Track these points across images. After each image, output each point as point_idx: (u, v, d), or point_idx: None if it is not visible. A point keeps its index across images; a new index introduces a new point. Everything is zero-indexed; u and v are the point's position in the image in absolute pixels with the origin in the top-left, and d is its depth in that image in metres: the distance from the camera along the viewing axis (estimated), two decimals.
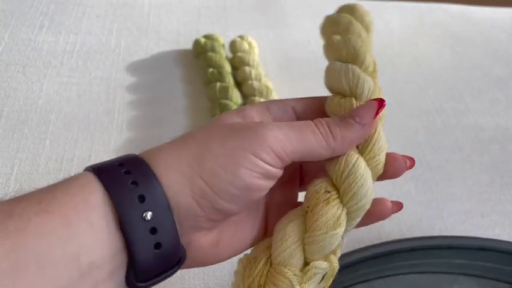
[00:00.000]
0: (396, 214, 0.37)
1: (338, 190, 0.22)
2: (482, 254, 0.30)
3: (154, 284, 0.19)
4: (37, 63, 0.48)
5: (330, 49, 0.27)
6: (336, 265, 0.22)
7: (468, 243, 0.30)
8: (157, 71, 0.49)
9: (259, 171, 0.20)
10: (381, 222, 0.37)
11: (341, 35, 0.27)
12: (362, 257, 0.29)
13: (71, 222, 0.17)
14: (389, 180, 0.41)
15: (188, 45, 0.52)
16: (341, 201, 0.22)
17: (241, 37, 0.51)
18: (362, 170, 0.22)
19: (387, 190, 0.39)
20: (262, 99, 0.42)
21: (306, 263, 0.21)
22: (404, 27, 0.59)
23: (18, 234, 0.16)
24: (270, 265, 0.21)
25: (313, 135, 0.21)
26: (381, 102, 0.24)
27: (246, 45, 0.50)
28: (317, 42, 0.55)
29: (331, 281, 0.22)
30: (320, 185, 0.22)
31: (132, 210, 0.18)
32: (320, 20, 0.61)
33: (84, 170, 0.20)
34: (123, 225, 0.18)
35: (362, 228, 0.36)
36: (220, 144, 0.20)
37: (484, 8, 0.64)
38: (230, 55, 0.51)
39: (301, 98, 0.26)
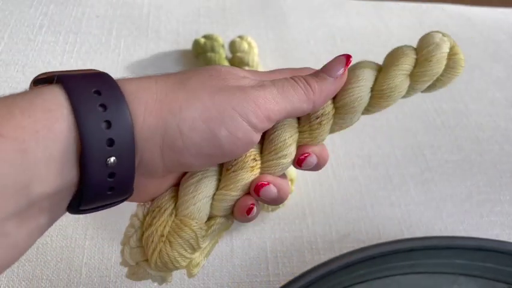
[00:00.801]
0: (397, 214, 0.38)
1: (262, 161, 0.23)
2: (482, 254, 0.30)
3: (93, 211, 0.19)
4: (37, 63, 0.48)
5: None
6: (232, 221, 0.23)
7: (467, 243, 0.30)
8: (157, 71, 0.49)
9: (239, 136, 0.20)
10: (380, 222, 0.37)
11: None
12: (361, 257, 0.29)
13: (27, 150, 0.15)
14: (389, 180, 0.41)
15: (188, 45, 0.52)
16: (261, 172, 0.23)
17: (241, 37, 0.51)
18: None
19: (387, 190, 0.40)
20: None
21: (209, 218, 0.22)
22: (403, 28, 0.59)
23: None
24: (175, 216, 0.22)
25: (295, 91, 0.22)
26: (348, 57, 0.26)
27: (245, 45, 0.50)
28: (317, 43, 0.55)
29: (223, 234, 0.24)
30: (250, 152, 0.22)
31: (97, 152, 0.17)
32: (319, 20, 0.61)
33: (55, 79, 0.18)
34: (84, 164, 0.17)
35: (361, 229, 0.37)
36: (210, 97, 0.19)
37: (484, 8, 0.64)
38: (230, 55, 0.51)
39: (286, 69, 0.26)
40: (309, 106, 0.22)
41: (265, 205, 0.35)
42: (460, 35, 0.58)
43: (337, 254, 0.30)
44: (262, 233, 0.36)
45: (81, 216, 0.36)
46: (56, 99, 0.17)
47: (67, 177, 0.17)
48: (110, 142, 0.17)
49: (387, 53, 0.55)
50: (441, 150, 0.43)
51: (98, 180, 0.17)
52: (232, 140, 0.20)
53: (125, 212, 0.37)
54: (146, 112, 0.18)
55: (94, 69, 0.19)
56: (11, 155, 0.15)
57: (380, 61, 0.53)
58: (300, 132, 0.23)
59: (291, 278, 0.28)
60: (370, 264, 0.30)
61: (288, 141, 0.23)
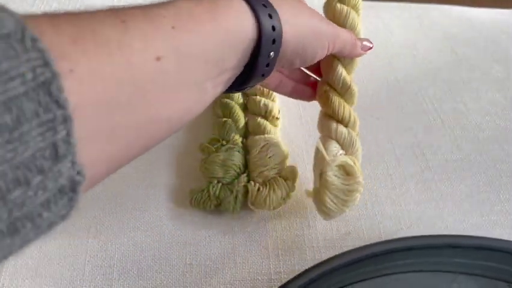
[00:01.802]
0: (397, 213, 0.38)
1: None
2: (482, 253, 0.30)
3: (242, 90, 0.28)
4: None
5: None
6: None
7: (467, 242, 0.31)
8: None
9: (324, 54, 0.31)
10: (381, 220, 0.37)
11: None
12: (361, 255, 0.30)
13: (228, 36, 0.23)
14: (389, 180, 0.41)
15: None
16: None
17: None
18: None
19: (388, 189, 0.40)
20: (263, 99, 0.42)
21: None
22: (403, 28, 0.59)
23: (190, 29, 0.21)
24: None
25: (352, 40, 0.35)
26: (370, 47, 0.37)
27: None
28: None
29: None
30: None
31: (266, 47, 0.25)
32: None
33: None
34: (258, 55, 0.25)
35: (362, 227, 0.37)
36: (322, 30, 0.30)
37: (483, 9, 0.64)
38: None
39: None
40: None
41: (267, 203, 0.35)
42: (459, 35, 0.59)
43: (338, 252, 0.30)
44: (263, 231, 0.36)
45: (84, 213, 0.36)
46: (243, 7, 0.24)
47: (243, 61, 0.25)
48: (273, 41, 0.25)
49: (386, 52, 0.56)
50: (441, 150, 0.44)
51: (261, 67, 0.26)
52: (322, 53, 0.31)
53: (126, 212, 0.37)
54: (286, 25, 0.26)
55: None
56: (222, 37, 0.22)
57: (380, 61, 0.54)
58: None
59: (292, 275, 0.28)
60: (370, 263, 0.30)
61: None
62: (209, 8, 0.22)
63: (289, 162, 0.39)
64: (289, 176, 0.37)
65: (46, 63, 0.14)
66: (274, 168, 0.37)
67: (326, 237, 0.36)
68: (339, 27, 0.33)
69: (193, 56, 0.21)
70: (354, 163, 0.33)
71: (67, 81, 0.15)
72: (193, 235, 0.36)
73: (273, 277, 0.34)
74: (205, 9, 0.22)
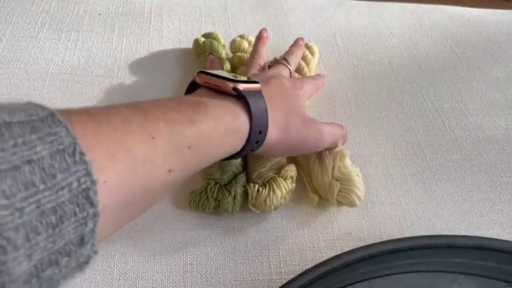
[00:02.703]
0: (397, 213, 0.38)
1: None
2: (482, 253, 0.30)
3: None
4: (39, 60, 0.48)
5: None
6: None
7: (468, 242, 0.30)
8: (159, 70, 0.50)
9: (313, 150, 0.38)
10: (381, 221, 0.37)
11: None
12: (361, 255, 0.30)
13: (236, 127, 0.29)
14: (389, 180, 0.41)
15: (190, 44, 0.52)
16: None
17: (242, 36, 0.51)
18: None
19: (388, 189, 0.40)
20: None
21: None
22: (404, 28, 0.60)
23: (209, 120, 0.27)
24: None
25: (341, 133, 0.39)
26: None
27: (245, 45, 0.50)
28: (317, 42, 0.56)
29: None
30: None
31: (254, 138, 0.30)
32: (320, 20, 0.61)
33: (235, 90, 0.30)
34: (248, 142, 0.30)
35: (363, 227, 0.37)
36: (297, 132, 0.34)
37: (483, 9, 0.64)
38: (230, 54, 0.51)
39: None
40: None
41: (268, 204, 0.35)
42: (459, 35, 0.59)
43: (338, 252, 0.30)
44: (264, 232, 0.36)
45: None
46: (242, 107, 0.30)
47: (238, 146, 0.30)
48: (259, 132, 0.30)
49: (387, 53, 0.56)
50: (442, 150, 0.44)
51: (252, 146, 0.31)
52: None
53: None
54: (272, 130, 0.32)
55: (254, 83, 0.31)
56: (223, 153, 0.29)
57: (380, 61, 0.54)
58: None
59: (293, 276, 0.28)
60: (371, 263, 0.30)
61: None
62: (218, 127, 0.27)
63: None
64: (288, 175, 0.36)
65: (88, 173, 0.18)
66: (273, 169, 0.37)
67: (327, 238, 0.36)
68: (326, 129, 0.37)
69: (198, 167, 0.27)
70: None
71: (101, 189, 0.19)
72: (194, 235, 0.36)
73: (273, 277, 0.34)
74: (218, 129, 0.27)
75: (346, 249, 0.29)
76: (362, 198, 0.36)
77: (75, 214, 0.17)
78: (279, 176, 0.36)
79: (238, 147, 0.30)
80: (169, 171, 0.24)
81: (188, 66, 0.50)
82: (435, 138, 0.45)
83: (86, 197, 0.18)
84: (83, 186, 0.18)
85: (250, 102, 0.29)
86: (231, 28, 0.56)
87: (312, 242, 0.36)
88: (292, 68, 0.42)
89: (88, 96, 0.45)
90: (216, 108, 0.28)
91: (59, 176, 0.17)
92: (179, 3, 0.59)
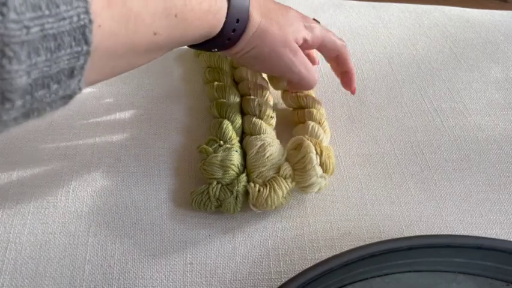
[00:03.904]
0: (397, 213, 0.38)
1: None
2: (481, 253, 0.30)
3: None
4: None
5: None
6: None
7: (467, 242, 0.31)
8: (159, 70, 0.50)
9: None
10: (381, 220, 0.37)
11: None
12: (361, 255, 0.30)
13: (212, 24, 0.31)
14: (389, 179, 0.41)
15: None
16: None
17: None
18: None
19: (387, 188, 0.40)
20: (256, 98, 0.43)
21: None
22: (403, 29, 0.60)
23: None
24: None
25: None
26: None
27: None
28: None
29: None
30: None
31: (230, 24, 0.32)
32: (320, 20, 0.61)
33: None
34: (225, 26, 0.32)
35: (362, 227, 0.37)
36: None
37: (482, 10, 0.65)
38: None
39: None
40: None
41: (269, 204, 0.35)
42: (458, 36, 0.59)
43: (338, 251, 0.30)
44: (264, 231, 0.36)
45: (84, 213, 0.36)
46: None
47: (216, 28, 0.32)
48: (237, 21, 0.32)
49: (386, 53, 0.56)
50: (441, 149, 0.44)
51: (228, 35, 0.33)
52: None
53: (126, 211, 0.37)
54: (251, 21, 0.34)
55: None
56: (206, 29, 0.31)
57: (380, 61, 0.54)
58: None
59: (292, 275, 0.28)
60: (370, 262, 0.30)
61: None
62: (202, 2, 0.29)
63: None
64: (288, 174, 0.37)
65: (87, 11, 0.20)
66: (273, 168, 0.37)
67: (326, 237, 0.36)
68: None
69: (180, 37, 0.29)
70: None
71: (95, 31, 0.21)
72: (193, 235, 0.36)
73: (273, 277, 0.34)
74: (201, 9, 0.29)
75: (345, 249, 0.29)
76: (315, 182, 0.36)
77: (71, 46, 0.19)
78: (279, 176, 0.36)
79: (216, 29, 0.32)
80: (155, 33, 0.26)
81: (188, 65, 0.50)
82: (434, 138, 0.45)
83: (83, 33, 0.20)
84: (81, 22, 0.19)
85: None
86: None
87: (312, 242, 0.36)
88: (321, 26, 0.41)
89: (86, 95, 0.45)
90: None
91: (62, 7, 0.18)
92: None
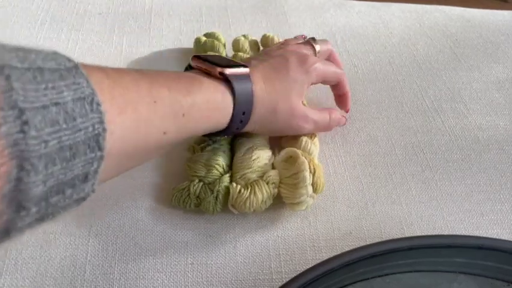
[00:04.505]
0: (398, 213, 0.38)
1: None
2: (482, 253, 0.30)
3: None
4: None
5: None
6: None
7: (468, 242, 0.31)
8: (160, 69, 0.49)
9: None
10: (382, 220, 0.37)
11: None
12: (361, 255, 0.30)
13: (221, 93, 0.32)
14: (389, 179, 0.41)
15: (190, 43, 0.52)
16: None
17: (244, 36, 0.51)
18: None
19: (388, 188, 0.40)
20: None
21: None
22: (403, 29, 0.60)
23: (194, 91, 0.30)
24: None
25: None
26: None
27: (247, 45, 0.50)
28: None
29: None
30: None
31: (238, 117, 0.34)
32: (320, 20, 0.61)
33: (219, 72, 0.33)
34: (231, 121, 0.33)
35: (363, 227, 0.37)
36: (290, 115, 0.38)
37: (483, 10, 0.65)
38: (231, 53, 0.51)
39: None
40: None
41: (247, 206, 0.35)
42: (459, 36, 0.59)
43: (338, 252, 0.30)
44: (265, 232, 0.36)
45: (85, 214, 0.36)
46: (228, 89, 0.33)
47: (224, 122, 0.33)
48: (243, 113, 0.34)
49: (387, 53, 0.56)
50: (442, 149, 0.44)
51: (237, 125, 0.34)
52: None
53: (127, 212, 0.37)
54: (257, 104, 0.35)
55: (241, 66, 0.34)
56: (213, 125, 0.33)
57: (380, 61, 0.54)
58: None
59: (293, 275, 0.28)
60: (371, 263, 0.30)
61: None
62: (209, 102, 0.31)
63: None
64: (271, 180, 0.36)
65: (101, 122, 0.21)
66: (258, 171, 0.37)
67: (327, 237, 0.36)
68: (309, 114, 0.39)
69: (189, 133, 0.31)
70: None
71: (108, 137, 0.22)
72: (194, 235, 0.36)
73: (274, 277, 0.34)
74: (209, 104, 0.31)
75: (346, 249, 0.29)
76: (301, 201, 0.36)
77: (85, 154, 0.20)
78: (262, 180, 0.36)
79: (224, 123, 0.33)
80: (164, 133, 0.27)
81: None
82: (435, 138, 0.45)
83: (97, 141, 0.21)
84: (96, 131, 0.21)
85: (235, 85, 0.33)
86: (231, 28, 0.56)
87: (312, 242, 0.36)
88: (319, 48, 0.42)
89: None
90: (208, 85, 0.31)
91: (79, 120, 0.20)
92: (179, 3, 0.59)
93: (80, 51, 0.50)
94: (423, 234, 0.36)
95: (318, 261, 0.29)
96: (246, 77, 0.34)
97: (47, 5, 0.55)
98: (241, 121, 0.34)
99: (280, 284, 0.30)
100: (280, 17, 0.59)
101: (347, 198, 0.39)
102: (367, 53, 0.55)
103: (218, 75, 0.33)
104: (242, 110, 0.33)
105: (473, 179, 0.41)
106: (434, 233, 0.37)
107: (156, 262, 0.34)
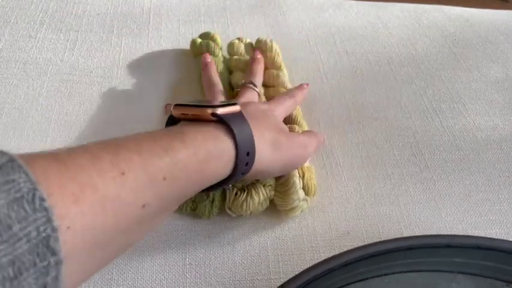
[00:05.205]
0: (396, 213, 0.38)
1: None
2: (480, 253, 0.30)
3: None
4: (38, 60, 0.48)
5: None
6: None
7: (466, 242, 0.31)
8: (158, 70, 0.50)
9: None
10: (380, 221, 0.37)
11: None
12: (360, 255, 0.30)
13: (213, 171, 0.28)
14: (388, 180, 0.41)
15: (189, 44, 0.52)
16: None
17: (239, 39, 0.51)
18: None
19: (387, 189, 0.40)
20: None
21: None
22: (402, 28, 0.60)
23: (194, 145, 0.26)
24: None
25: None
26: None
27: (242, 48, 0.49)
28: (316, 42, 0.56)
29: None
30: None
31: (242, 162, 0.29)
32: (319, 20, 0.61)
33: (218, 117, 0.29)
34: (235, 167, 0.29)
35: (361, 227, 0.37)
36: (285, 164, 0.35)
37: (482, 10, 0.65)
38: (228, 57, 0.50)
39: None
40: None
41: (244, 209, 0.35)
42: (458, 36, 0.59)
43: (337, 252, 0.30)
44: (263, 232, 0.36)
45: None
46: (223, 131, 0.29)
47: (226, 171, 0.29)
48: (247, 154, 0.29)
49: (386, 53, 0.56)
50: (440, 150, 0.44)
51: (242, 169, 0.30)
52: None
53: None
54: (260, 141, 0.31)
55: (234, 106, 0.31)
56: (206, 182, 0.28)
57: (379, 61, 0.54)
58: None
59: (291, 275, 0.28)
60: (369, 263, 0.30)
61: None
62: (197, 154, 0.26)
63: None
64: (267, 183, 0.36)
65: (49, 220, 0.17)
66: None
67: (325, 238, 0.36)
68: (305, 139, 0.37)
69: (178, 197, 0.26)
70: None
71: (64, 235, 0.18)
72: (193, 235, 0.36)
73: (272, 277, 0.34)
74: (198, 156, 0.26)
75: (344, 249, 0.29)
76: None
77: (35, 264, 0.17)
78: (259, 182, 0.36)
79: (226, 172, 0.29)
80: (143, 206, 0.23)
81: (187, 66, 0.50)
82: (433, 138, 0.45)
83: (47, 245, 0.17)
84: (43, 234, 0.17)
85: (232, 124, 0.29)
86: (229, 29, 0.56)
87: (311, 242, 0.36)
88: (259, 89, 0.42)
89: (87, 96, 0.45)
90: (194, 134, 0.27)
91: (16, 227, 0.16)
92: (178, 3, 0.59)
93: (78, 52, 0.50)
94: (421, 234, 0.36)
95: (317, 262, 0.29)
96: (239, 115, 0.31)
97: (46, 6, 0.55)
98: (247, 163, 0.30)
99: (278, 284, 0.30)
100: (279, 17, 0.59)
101: (345, 199, 0.39)
102: (366, 53, 0.55)
103: (211, 117, 0.29)
104: (245, 151, 0.29)
105: (471, 179, 0.41)
106: (432, 233, 0.37)
107: (154, 263, 0.34)
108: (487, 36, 0.59)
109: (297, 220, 0.37)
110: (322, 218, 0.37)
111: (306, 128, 0.43)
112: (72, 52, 0.50)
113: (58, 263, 0.18)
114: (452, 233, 0.37)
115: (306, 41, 0.55)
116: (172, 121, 0.32)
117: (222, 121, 0.29)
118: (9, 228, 0.16)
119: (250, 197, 0.35)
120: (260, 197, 0.35)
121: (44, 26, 0.53)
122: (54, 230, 0.17)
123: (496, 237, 0.31)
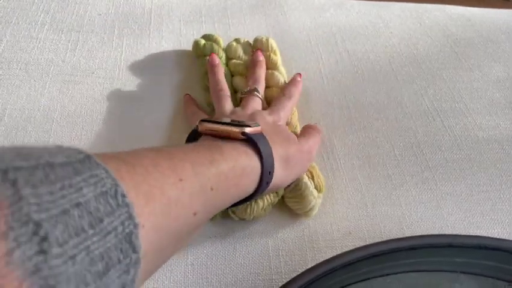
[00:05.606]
0: (397, 213, 0.38)
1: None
2: (482, 253, 0.30)
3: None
4: (39, 60, 0.48)
5: None
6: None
7: (468, 241, 0.31)
8: (159, 71, 0.50)
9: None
10: (381, 221, 0.37)
11: None
12: (362, 255, 0.30)
13: (246, 186, 0.29)
14: (389, 180, 0.41)
15: (190, 44, 0.52)
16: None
17: (237, 40, 0.50)
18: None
19: (388, 189, 0.40)
20: None
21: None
22: (404, 28, 0.60)
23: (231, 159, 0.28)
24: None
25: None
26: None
27: (240, 51, 0.48)
28: (317, 42, 0.56)
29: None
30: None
31: (267, 178, 0.30)
32: (320, 20, 0.61)
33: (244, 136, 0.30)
34: (260, 184, 0.30)
35: (362, 227, 0.37)
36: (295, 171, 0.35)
37: (483, 9, 0.64)
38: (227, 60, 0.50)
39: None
40: None
41: (248, 213, 0.35)
42: (459, 35, 0.59)
43: (338, 252, 0.30)
44: (264, 232, 0.36)
45: None
46: (252, 150, 0.30)
47: (251, 188, 0.30)
48: (269, 173, 0.30)
49: (387, 52, 0.56)
50: (441, 150, 0.44)
51: (264, 188, 0.31)
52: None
53: None
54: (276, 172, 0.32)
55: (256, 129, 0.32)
56: (239, 194, 0.29)
57: (380, 61, 0.54)
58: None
59: (293, 276, 0.28)
60: (371, 263, 0.30)
61: None
62: (235, 168, 0.27)
63: None
64: None
65: (131, 216, 0.17)
66: None
67: (327, 238, 0.36)
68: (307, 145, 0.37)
69: (217, 209, 0.27)
70: None
71: (139, 233, 0.18)
72: (194, 236, 0.36)
73: (273, 277, 0.34)
74: (235, 170, 0.27)
75: (346, 249, 0.29)
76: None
77: (119, 261, 0.16)
78: None
79: (251, 189, 0.30)
80: (194, 213, 0.24)
81: (188, 67, 0.50)
82: (434, 138, 0.45)
83: (129, 241, 0.17)
84: (127, 230, 0.17)
85: (259, 143, 0.30)
86: (230, 29, 0.56)
87: (312, 242, 0.36)
88: (261, 94, 0.42)
89: (88, 97, 0.45)
90: (230, 151, 0.28)
91: (106, 220, 0.16)
92: (179, 4, 0.59)
93: (80, 53, 0.50)
94: (423, 234, 0.36)
95: (318, 262, 0.29)
96: (262, 135, 0.32)
97: (47, 6, 0.56)
98: (267, 182, 0.31)
99: (280, 284, 0.30)
100: (280, 17, 0.59)
101: (346, 199, 0.39)
102: (367, 53, 0.55)
103: (240, 136, 0.30)
104: (268, 170, 0.30)
105: (473, 178, 0.41)
106: (434, 233, 0.37)
107: None
108: (489, 36, 0.59)
109: (299, 220, 0.37)
110: (323, 219, 0.37)
111: (299, 128, 0.42)
112: (73, 53, 0.50)
113: (137, 261, 0.17)
114: (454, 232, 0.37)
115: (307, 41, 0.55)
116: (194, 134, 0.33)
117: (249, 140, 0.30)
118: (101, 221, 0.16)
119: (255, 202, 0.35)
120: (264, 202, 0.35)
121: (46, 27, 0.53)
122: (136, 226, 0.17)
123: (498, 237, 0.31)
